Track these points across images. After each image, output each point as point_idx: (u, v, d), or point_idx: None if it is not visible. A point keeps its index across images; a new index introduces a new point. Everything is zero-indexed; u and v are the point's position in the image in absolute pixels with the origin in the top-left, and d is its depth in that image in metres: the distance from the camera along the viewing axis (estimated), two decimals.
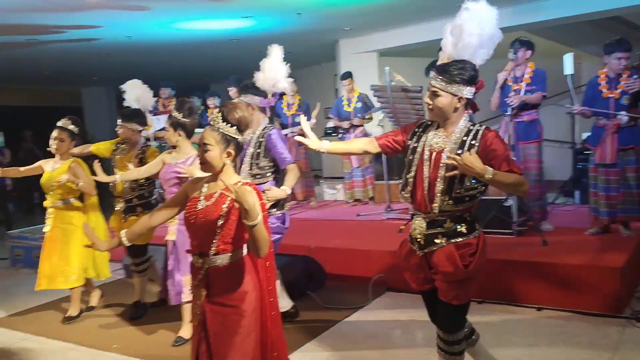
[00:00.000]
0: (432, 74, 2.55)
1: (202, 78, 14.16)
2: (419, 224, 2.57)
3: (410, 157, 2.60)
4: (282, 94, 7.19)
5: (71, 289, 4.58)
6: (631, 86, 4.57)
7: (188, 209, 2.37)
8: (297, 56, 11.57)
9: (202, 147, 2.30)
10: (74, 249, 4.46)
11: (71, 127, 4.44)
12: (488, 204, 5.07)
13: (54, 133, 4.41)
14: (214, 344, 2.32)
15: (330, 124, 8.22)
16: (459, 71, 2.47)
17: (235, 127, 2.32)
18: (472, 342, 2.91)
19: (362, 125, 7.29)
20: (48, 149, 4.45)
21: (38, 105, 15.96)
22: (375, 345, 3.74)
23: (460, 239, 2.53)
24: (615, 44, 4.67)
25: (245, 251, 2.38)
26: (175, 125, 3.75)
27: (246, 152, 3.75)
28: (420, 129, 2.64)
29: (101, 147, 4.69)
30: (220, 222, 2.26)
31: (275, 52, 3.82)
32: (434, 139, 2.56)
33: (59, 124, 4.43)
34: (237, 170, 3.82)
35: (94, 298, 4.88)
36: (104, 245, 2.55)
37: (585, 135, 6.39)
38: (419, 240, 2.59)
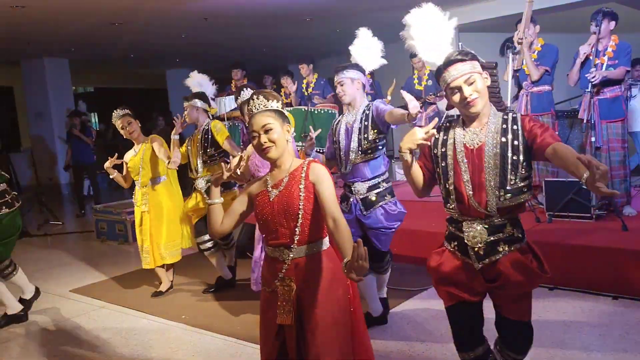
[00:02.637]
0: (454, 66, 2.22)
1: (278, 59, 14.32)
2: (479, 232, 2.26)
3: (443, 164, 2.33)
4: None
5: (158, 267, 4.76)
6: None
7: (259, 205, 2.24)
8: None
9: (262, 132, 2.17)
10: (166, 226, 4.67)
11: (125, 111, 4.59)
12: (565, 187, 4.81)
13: (118, 124, 4.58)
14: (311, 339, 2.16)
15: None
16: (464, 52, 2.22)
17: (281, 104, 2.25)
18: None
19: (434, 104, 7.09)
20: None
21: (127, 86, 16.85)
22: (434, 328, 3.67)
23: (519, 245, 2.29)
24: None
25: (327, 243, 2.26)
26: None
27: (352, 131, 3.60)
28: (441, 133, 2.36)
29: (183, 152, 4.78)
30: (300, 206, 2.16)
31: (364, 33, 3.74)
32: (465, 136, 2.28)
33: (117, 115, 4.57)
34: (344, 154, 3.62)
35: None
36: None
37: None
38: (477, 250, 2.28)
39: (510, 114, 2.28)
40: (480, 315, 2.40)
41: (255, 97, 2.23)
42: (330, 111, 6.64)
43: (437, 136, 2.37)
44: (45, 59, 12.44)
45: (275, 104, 2.23)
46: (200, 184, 4.61)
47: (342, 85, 3.60)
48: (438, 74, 2.28)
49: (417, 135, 2.19)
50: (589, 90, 4.66)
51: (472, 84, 2.20)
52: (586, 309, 3.79)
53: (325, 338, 2.15)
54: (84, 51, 11.69)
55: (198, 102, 4.61)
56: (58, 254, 6.55)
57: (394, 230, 3.67)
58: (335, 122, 3.81)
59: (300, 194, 2.16)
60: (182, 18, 8.71)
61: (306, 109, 6.62)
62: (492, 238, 2.26)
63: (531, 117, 2.26)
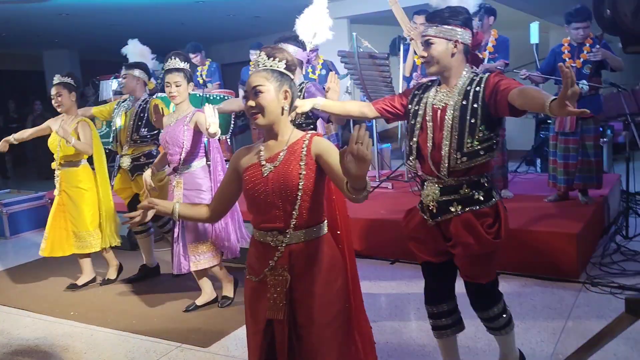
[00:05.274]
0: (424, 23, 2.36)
1: (168, 43, 13.83)
2: (432, 190, 2.33)
3: (412, 122, 2.39)
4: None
5: (81, 257, 4.45)
6: (593, 56, 4.59)
7: (249, 181, 1.93)
8: (265, 22, 11.41)
9: (250, 95, 1.89)
10: (87, 212, 4.31)
11: (65, 79, 4.25)
12: None
13: (52, 91, 4.24)
14: (307, 337, 1.91)
15: None
16: (451, 13, 2.26)
17: (284, 64, 1.92)
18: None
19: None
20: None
21: None
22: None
23: (477, 207, 2.29)
24: (574, 14, 4.63)
25: (326, 228, 2.02)
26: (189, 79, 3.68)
27: None
28: (420, 91, 2.44)
29: (103, 110, 4.62)
30: (300, 185, 1.86)
31: (320, 2, 3.62)
32: (436, 97, 2.35)
33: (54, 81, 4.25)
34: None
35: (113, 270, 4.62)
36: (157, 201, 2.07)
37: None
38: (431, 208, 2.35)
39: (479, 76, 2.32)
40: (445, 275, 2.47)
41: (259, 52, 1.96)
42: (226, 97, 6.55)
43: (416, 92, 2.46)
44: None
45: (277, 63, 1.91)
46: (125, 162, 4.36)
47: None
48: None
49: None
50: None
51: (429, 46, 2.30)
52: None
53: (323, 336, 1.91)
54: None
55: (137, 72, 4.32)
56: None
57: None
58: None
59: (301, 172, 1.87)
60: None
61: (201, 94, 6.48)
62: (444, 198, 2.33)
63: (498, 73, 2.33)
